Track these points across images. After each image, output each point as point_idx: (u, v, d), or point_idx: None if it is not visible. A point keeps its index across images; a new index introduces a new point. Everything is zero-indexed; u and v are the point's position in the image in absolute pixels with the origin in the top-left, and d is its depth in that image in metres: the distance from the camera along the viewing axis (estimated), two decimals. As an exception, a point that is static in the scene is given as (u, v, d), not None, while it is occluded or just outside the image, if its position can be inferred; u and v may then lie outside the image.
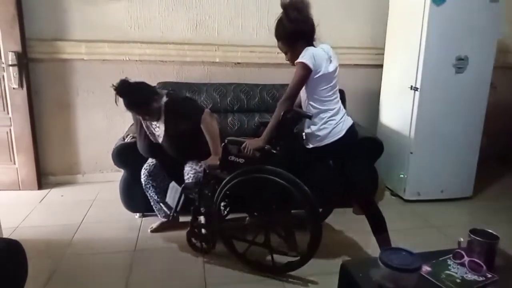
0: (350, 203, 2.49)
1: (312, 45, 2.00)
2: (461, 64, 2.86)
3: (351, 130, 2.08)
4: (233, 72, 3.31)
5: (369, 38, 3.49)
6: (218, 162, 2.07)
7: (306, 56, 1.90)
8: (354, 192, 2.16)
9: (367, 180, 2.68)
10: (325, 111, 2.00)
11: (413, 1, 2.88)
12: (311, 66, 1.89)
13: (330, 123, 2.00)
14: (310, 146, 2.07)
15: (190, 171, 2.31)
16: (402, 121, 3.08)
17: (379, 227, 2.09)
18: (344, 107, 3.37)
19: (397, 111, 3.18)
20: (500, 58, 3.04)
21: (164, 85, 3.11)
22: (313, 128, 2.02)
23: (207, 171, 2.13)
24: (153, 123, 2.34)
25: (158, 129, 2.33)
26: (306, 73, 1.91)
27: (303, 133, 2.14)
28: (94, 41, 3.10)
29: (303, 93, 2.06)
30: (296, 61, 1.93)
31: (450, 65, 2.85)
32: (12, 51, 2.89)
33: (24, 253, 1.46)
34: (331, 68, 1.99)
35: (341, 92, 3.34)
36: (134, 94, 2.17)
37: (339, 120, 2.03)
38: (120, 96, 2.16)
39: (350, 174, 2.09)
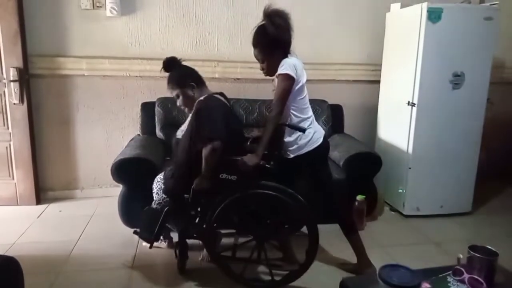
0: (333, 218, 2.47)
1: (287, 56, 2.02)
2: (457, 80, 2.89)
3: (325, 136, 2.16)
4: (232, 88, 3.33)
5: (366, 55, 3.54)
6: (205, 184, 1.99)
7: (288, 67, 1.92)
8: (333, 202, 2.21)
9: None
10: (305, 119, 2.06)
11: (410, 18, 2.93)
12: (294, 76, 1.92)
13: (309, 131, 2.05)
14: (291, 156, 2.08)
15: (156, 185, 2.31)
16: (400, 137, 3.10)
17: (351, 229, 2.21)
18: (342, 122, 3.44)
19: (395, 127, 3.21)
20: (495, 73, 3.08)
21: (164, 100, 3.14)
22: (294, 136, 2.05)
23: (195, 188, 2.01)
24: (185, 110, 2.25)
25: (184, 124, 2.27)
26: (291, 83, 1.93)
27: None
28: (95, 57, 3.13)
29: None
30: (278, 73, 1.94)
31: (447, 81, 2.89)
32: (13, 67, 2.92)
33: (20, 270, 1.45)
34: (305, 78, 2.06)
35: (339, 108, 3.42)
36: (175, 72, 2.16)
37: (316, 128, 2.11)
38: (164, 70, 2.17)
39: (327, 183, 2.18)
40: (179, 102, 2.18)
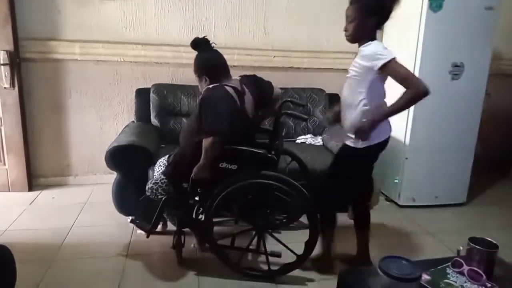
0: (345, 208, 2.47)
1: (379, 28, 1.92)
2: (457, 70, 2.87)
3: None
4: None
5: (365, 43, 3.49)
6: (205, 174, 1.95)
7: (386, 49, 1.79)
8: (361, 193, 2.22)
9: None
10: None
11: (410, 6, 2.88)
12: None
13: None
14: (360, 145, 1.92)
15: (158, 168, 2.27)
16: (397, 127, 3.07)
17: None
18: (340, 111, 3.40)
19: (392, 117, 3.17)
20: (493, 65, 3.06)
21: (159, 87, 3.08)
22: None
23: (193, 177, 1.98)
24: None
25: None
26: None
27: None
28: (88, 42, 3.05)
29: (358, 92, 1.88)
30: (389, 59, 1.74)
31: (446, 71, 2.86)
32: (4, 50, 2.83)
33: (12, 258, 1.42)
34: None
35: (337, 97, 3.38)
36: (199, 56, 2.09)
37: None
38: (192, 47, 2.08)
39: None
40: (199, 87, 2.15)
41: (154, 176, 2.25)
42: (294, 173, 2.29)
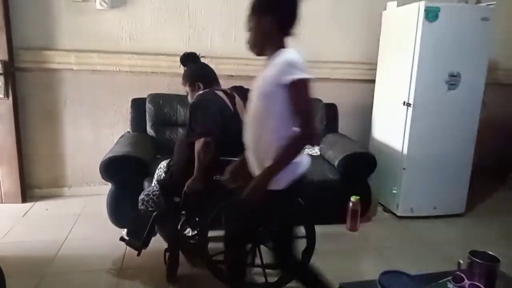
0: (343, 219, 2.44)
1: (288, 35, 1.52)
2: (453, 80, 2.87)
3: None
4: (225, 85, 3.21)
5: (362, 53, 3.50)
6: (198, 186, 1.93)
7: (302, 63, 1.40)
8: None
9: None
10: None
11: (406, 17, 2.89)
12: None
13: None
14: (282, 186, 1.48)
15: (158, 171, 2.26)
16: (394, 137, 3.07)
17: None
18: (337, 121, 3.41)
19: (389, 127, 3.17)
20: (489, 75, 3.06)
21: (155, 96, 3.06)
22: None
23: (186, 191, 1.96)
24: None
25: None
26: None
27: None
28: (84, 51, 3.03)
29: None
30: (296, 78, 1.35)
31: (442, 81, 2.86)
32: (-2, 60, 2.82)
33: (1, 272, 1.38)
34: None
35: (334, 107, 3.38)
36: (189, 68, 2.17)
37: None
38: (181, 63, 2.19)
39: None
40: (189, 98, 2.19)
41: (147, 188, 2.23)
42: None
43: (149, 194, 2.07)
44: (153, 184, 2.28)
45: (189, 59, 2.17)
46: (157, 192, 2.06)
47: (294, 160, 1.40)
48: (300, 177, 1.46)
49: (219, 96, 2.07)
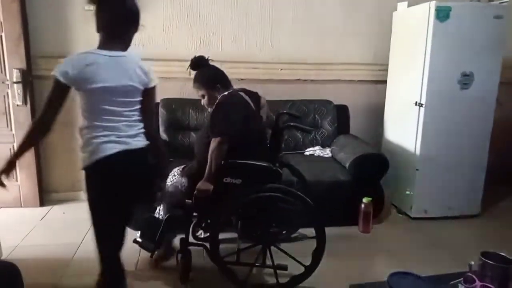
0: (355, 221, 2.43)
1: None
2: (466, 80, 2.83)
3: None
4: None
5: (373, 54, 3.49)
6: (209, 188, 1.94)
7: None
8: None
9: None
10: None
11: (417, 17, 2.88)
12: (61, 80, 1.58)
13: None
14: None
15: (172, 178, 2.24)
16: (407, 138, 3.05)
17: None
18: (348, 123, 3.40)
19: (402, 127, 3.15)
20: (505, 74, 3.01)
21: (168, 101, 3.11)
22: None
23: (196, 195, 1.96)
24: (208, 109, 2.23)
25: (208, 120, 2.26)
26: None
27: None
28: (98, 58, 3.10)
29: None
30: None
31: (455, 81, 2.83)
32: (16, 68, 2.90)
33: (20, 275, 1.43)
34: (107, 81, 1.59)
35: (345, 108, 3.38)
36: (202, 72, 2.15)
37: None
38: (191, 68, 2.15)
39: None
40: (203, 102, 2.17)
41: (171, 181, 2.22)
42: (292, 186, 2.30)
43: (177, 186, 2.10)
44: (169, 183, 2.26)
45: (200, 63, 2.16)
46: (186, 184, 2.08)
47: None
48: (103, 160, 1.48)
49: (244, 98, 2.11)
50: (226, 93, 2.09)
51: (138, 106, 1.58)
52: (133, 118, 1.56)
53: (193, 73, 2.19)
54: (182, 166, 2.32)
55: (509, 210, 3.30)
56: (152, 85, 1.61)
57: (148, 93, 1.60)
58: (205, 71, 2.16)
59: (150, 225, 2.11)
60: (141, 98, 1.58)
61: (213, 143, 1.91)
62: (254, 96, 2.27)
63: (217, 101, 2.07)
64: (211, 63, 2.18)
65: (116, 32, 1.61)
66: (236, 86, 2.25)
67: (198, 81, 2.14)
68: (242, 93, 2.13)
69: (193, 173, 2.10)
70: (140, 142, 1.56)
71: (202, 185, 1.94)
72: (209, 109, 2.17)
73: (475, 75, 2.83)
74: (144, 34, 3.16)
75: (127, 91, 1.52)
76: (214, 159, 1.91)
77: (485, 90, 2.89)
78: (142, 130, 1.59)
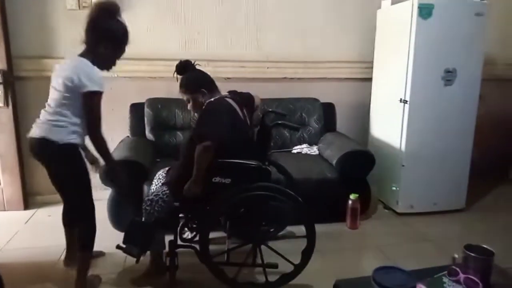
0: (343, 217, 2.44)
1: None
2: (449, 76, 2.88)
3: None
4: (223, 88, 3.23)
5: (358, 52, 3.52)
6: (196, 189, 1.91)
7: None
8: None
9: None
10: None
11: (400, 15, 2.91)
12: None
13: None
14: None
15: (157, 181, 2.23)
16: (392, 134, 3.08)
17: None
18: (334, 120, 3.42)
19: (387, 124, 3.18)
20: (487, 70, 3.07)
21: (153, 101, 3.09)
22: None
23: (184, 194, 1.94)
24: (195, 115, 2.21)
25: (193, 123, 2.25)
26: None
27: None
28: (82, 58, 3.06)
29: None
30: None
31: (438, 77, 2.87)
32: (-3, 69, 2.85)
33: (1, 280, 1.39)
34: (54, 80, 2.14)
35: (331, 106, 3.40)
36: (187, 76, 2.11)
37: None
38: (177, 73, 2.13)
39: None
40: (189, 106, 2.14)
41: (153, 189, 2.22)
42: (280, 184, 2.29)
43: (158, 194, 2.03)
44: (152, 190, 2.24)
45: (186, 68, 2.13)
46: (167, 192, 2.03)
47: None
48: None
49: (231, 105, 2.06)
50: (213, 99, 2.05)
51: None
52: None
53: (180, 77, 2.16)
54: (167, 168, 2.30)
55: (493, 204, 3.36)
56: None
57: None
58: (191, 75, 2.12)
59: (134, 229, 2.04)
60: None
61: (199, 147, 1.88)
62: (246, 99, 2.23)
63: (203, 107, 2.04)
64: (197, 67, 2.15)
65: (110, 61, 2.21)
66: (223, 92, 2.21)
67: (184, 86, 2.11)
68: (229, 100, 2.07)
69: (173, 181, 2.06)
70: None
71: (189, 186, 1.91)
72: (195, 114, 2.15)
73: (458, 71, 2.87)
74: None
75: None
76: (199, 163, 1.89)
77: (468, 86, 2.93)
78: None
